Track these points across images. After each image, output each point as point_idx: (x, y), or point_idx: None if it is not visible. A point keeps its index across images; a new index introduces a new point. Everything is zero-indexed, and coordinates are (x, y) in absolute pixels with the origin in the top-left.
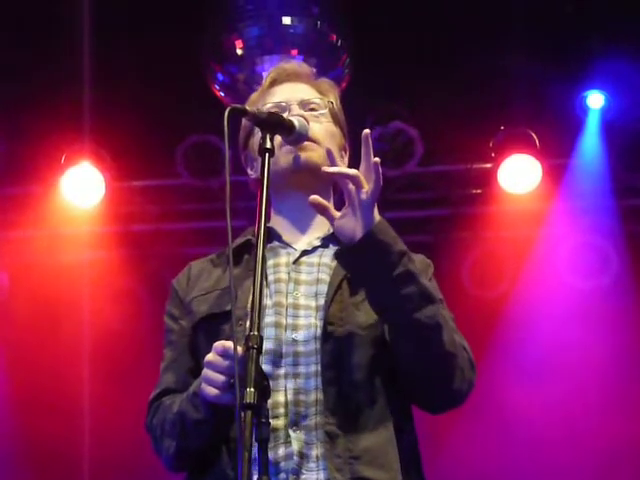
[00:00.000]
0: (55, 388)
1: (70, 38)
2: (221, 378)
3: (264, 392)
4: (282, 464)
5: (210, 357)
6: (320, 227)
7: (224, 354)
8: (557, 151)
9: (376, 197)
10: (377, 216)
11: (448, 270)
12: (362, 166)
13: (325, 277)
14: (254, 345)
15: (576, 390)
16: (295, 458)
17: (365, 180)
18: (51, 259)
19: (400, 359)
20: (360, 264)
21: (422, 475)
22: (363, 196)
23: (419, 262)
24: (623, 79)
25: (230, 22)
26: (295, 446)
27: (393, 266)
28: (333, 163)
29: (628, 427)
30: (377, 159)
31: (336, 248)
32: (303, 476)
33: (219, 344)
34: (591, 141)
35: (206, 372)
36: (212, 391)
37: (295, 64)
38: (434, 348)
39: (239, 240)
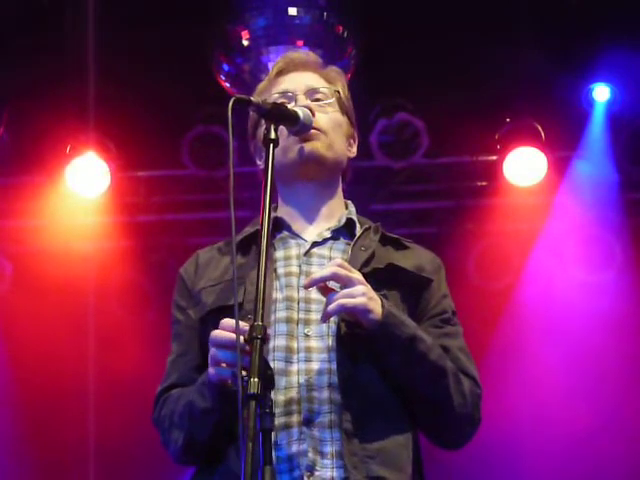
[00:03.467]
0: (60, 378)
1: (75, 28)
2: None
3: (268, 382)
4: (296, 461)
5: (216, 333)
6: (329, 218)
7: (230, 329)
8: (563, 144)
9: (365, 306)
10: (378, 310)
11: (453, 262)
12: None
13: None
14: (258, 335)
15: (580, 381)
16: (309, 455)
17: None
18: (55, 249)
19: (414, 417)
20: (373, 349)
21: (423, 474)
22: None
23: (429, 262)
24: (629, 72)
25: (236, 12)
26: (309, 443)
27: (404, 351)
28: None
29: (630, 415)
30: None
31: (346, 241)
32: (317, 472)
33: (225, 321)
34: (597, 134)
35: (213, 351)
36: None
37: (302, 53)
38: (446, 414)
39: (248, 230)
